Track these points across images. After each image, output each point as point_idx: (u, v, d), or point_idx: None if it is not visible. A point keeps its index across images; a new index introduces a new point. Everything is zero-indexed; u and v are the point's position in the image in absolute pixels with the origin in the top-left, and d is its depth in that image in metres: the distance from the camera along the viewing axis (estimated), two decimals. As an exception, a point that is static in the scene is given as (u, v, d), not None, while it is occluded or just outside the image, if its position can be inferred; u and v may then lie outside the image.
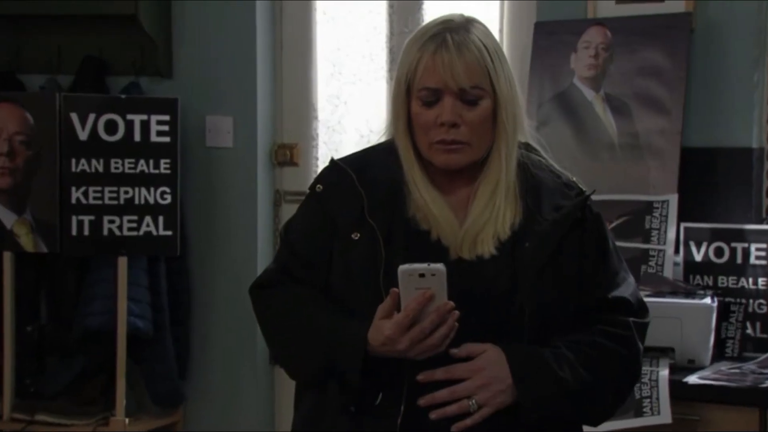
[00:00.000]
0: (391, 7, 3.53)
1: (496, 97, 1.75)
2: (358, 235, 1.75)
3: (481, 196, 1.77)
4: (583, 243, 1.80)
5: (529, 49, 3.18)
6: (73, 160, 3.42)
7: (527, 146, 1.86)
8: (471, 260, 1.75)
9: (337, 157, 1.89)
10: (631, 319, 1.81)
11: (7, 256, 3.48)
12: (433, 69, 1.72)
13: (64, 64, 3.68)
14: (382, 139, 1.88)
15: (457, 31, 1.74)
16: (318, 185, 1.83)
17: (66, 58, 3.68)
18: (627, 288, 1.84)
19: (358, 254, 1.76)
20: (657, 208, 2.90)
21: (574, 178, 1.88)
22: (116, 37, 3.66)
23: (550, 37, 3.15)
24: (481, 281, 1.74)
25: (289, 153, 3.63)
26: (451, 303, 1.65)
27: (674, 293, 2.72)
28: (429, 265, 1.63)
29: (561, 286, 1.76)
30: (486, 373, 1.71)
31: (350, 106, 3.64)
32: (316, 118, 3.65)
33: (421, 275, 1.63)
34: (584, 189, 1.85)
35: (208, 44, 3.61)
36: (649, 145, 2.96)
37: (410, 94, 1.77)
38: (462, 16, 1.80)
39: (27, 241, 3.45)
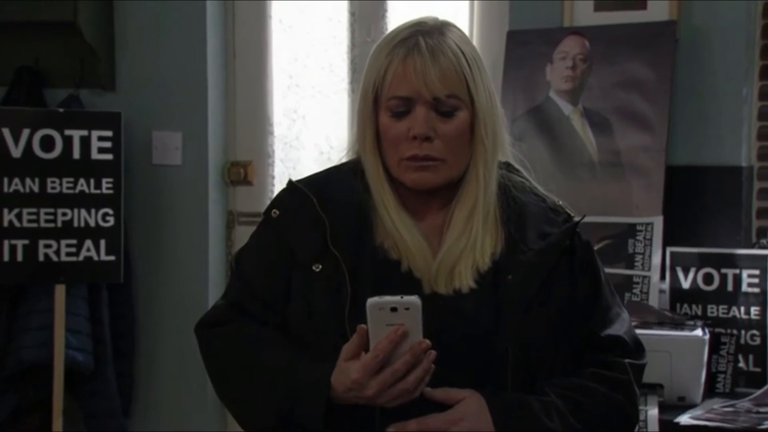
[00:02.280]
0: (352, 14, 3.45)
1: (474, 109, 1.65)
2: (320, 266, 1.64)
3: (457, 222, 1.67)
4: (572, 275, 1.69)
5: (500, 60, 3.11)
6: (6, 180, 3.30)
7: (508, 166, 1.75)
8: (447, 295, 1.64)
9: (295, 177, 1.78)
10: (627, 360, 1.70)
11: None
12: (404, 75, 1.61)
13: None
14: (346, 159, 1.77)
15: (430, 34, 1.64)
16: (274, 210, 1.72)
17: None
18: (621, 325, 1.73)
19: (320, 288, 1.64)
20: (641, 231, 2.84)
21: (561, 202, 1.77)
22: (53, 46, 3.58)
23: (523, 47, 3.09)
24: (459, 319, 1.62)
25: (243, 171, 3.56)
26: (427, 342, 1.52)
27: (661, 324, 2.65)
28: (402, 297, 1.51)
29: (549, 325, 1.65)
30: (465, 425, 1.59)
31: (309, 121, 3.56)
32: (271, 133, 3.57)
33: (393, 309, 1.51)
34: (572, 214, 1.75)
35: (154, 53, 3.54)
36: (631, 164, 2.91)
37: (378, 104, 1.66)
38: (436, 19, 1.69)
39: None
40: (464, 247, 1.65)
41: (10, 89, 3.57)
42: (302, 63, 3.53)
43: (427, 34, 1.63)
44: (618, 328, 1.71)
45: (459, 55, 1.62)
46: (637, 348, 1.73)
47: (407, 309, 1.50)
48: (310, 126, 3.53)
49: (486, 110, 1.65)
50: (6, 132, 3.29)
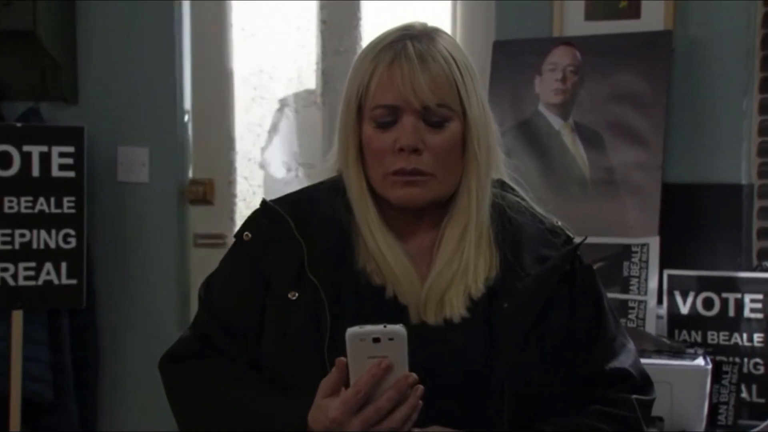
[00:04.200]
0: (323, 23, 3.36)
1: (467, 120, 1.57)
2: (297, 294, 1.56)
3: (447, 243, 1.59)
4: (572, 302, 1.61)
5: (486, 72, 3.06)
6: None
7: (502, 184, 1.67)
8: (437, 325, 1.55)
9: (262, 197, 1.70)
10: (634, 396, 1.61)
11: None
12: (390, 82, 1.54)
13: None
14: (325, 177, 1.69)
15: (419, 38, 1.56)
16: (246, 233, 1.63)
17: None
18: (627, 357, 1.65)
19: (296, 318, 1.55)
20: (636, 252, 2.78)
21: (560, 223, 1.70)
22: (12, 57, 3.50)
23: (511, 58, 3.05)
24: (450, 351, 1.54)
25: (202, 190, 3.47)
26: (414, 375, 1.42)
27: (659, 352, 2.57)
28: (385, 327, 1.42)
29: (548, 357, 1.56)
30: None
31: (273, 136, 3.46)
32: (232, 149, 3.47)
33: (376, 340, 1.41)
34: (572, 236, 1.68)
35: (119, 64, 3.49)
36: (625, 181, 2.87)
37: (362, 115, 1.57)
38: (424, 24, 1.61)
39: None
40: (456, 272, 1.57)
41: (-31, 102, 3.51)
42: (267, 74, 3.44)
43: (415, 39, 1.56)
44: (624, 360, 1.63)
45: (450, 61, 1.55)
46: (644, 382, 1.65)
47: (391, 339, 1.41)
48: (275, 141, 3.44)
49: (479, 122, 1.57)
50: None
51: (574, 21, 3.01)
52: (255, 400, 1.54)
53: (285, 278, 1.56)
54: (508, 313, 1.55)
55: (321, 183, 1.68)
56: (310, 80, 3.41)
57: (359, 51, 1.62)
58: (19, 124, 3.31)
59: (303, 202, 1.64)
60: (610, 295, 2.72)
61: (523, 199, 1.67)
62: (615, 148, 2.88)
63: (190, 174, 3.48)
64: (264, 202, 1.65)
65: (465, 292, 1.56)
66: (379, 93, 1.54)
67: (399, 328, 1.42)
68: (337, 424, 1.42)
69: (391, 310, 1.55)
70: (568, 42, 2.97)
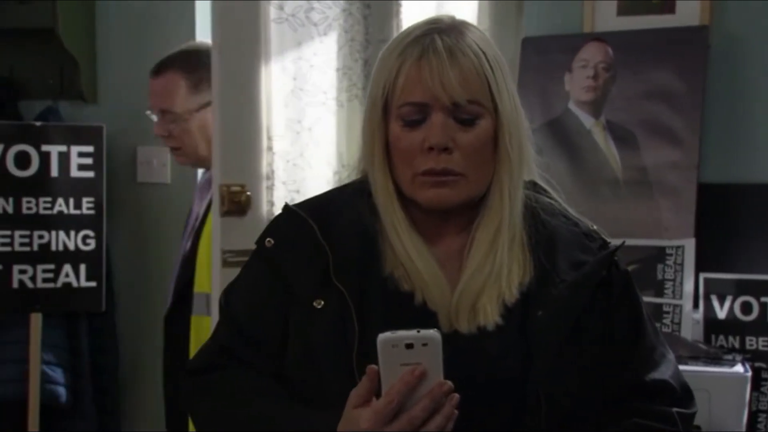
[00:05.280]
0: (367, 7, 3.15)
1: (498, 117, 1.51)
2: (322, 302, 1.50)
3: (479, 245, 1.53)
4: (609, 310, 1.55)
5: (516, 69, 3.01)
6: None
7: (534, 186, 1.61)
8: (470, 333, 1.50)
9: (293, 202, 1.64)
10: (675, 409, 1.55)
11: None
12: (418, 78, 1.48)
13: None
14: (353, 178, 1.64)
15: (447, 32, 1.51)
16: (268, 239, 1.58)
17: None
18: (667, 368, 1.59)
19: (322, 327, 1.49)
20: (671, 255, 2.74)
21: (595, 227, 1.63)
22: (31, 55, 3.53)
23: (540, 54, 3.01)
24: (484, 361, 1.49)
25: (233, 197, 2.91)
26: (449, 383, 1.36)
27: (695, 358, 2.53)
28: (418, 332, 1.36)
29: (585, 367, 1.50)
30: None
31: (316, 134, 3.11)
32: (270, 149, 3.09)
33: (409, 346, 1.36)
34: (608, 240, 1.61)
35: (139, 62, 3.48)
36: (659, 182, 2.82)
37: (388, 113, 1.52)
38: (452, 17, 1.56)
39: None
40: (488, 276, 1.51)
41: (-14, 101, 3.55)
42: (308, 62, 3.07)
43: (443, 33, 1.50)
44: (664, 371, 1.57)
45: (480, 55, 1.49)
46: (685, 395, 1.59)
47: (425, 345, 1.36)
48: (318, 140, 3.11)
49: (511, 119, 1.52)
50: (-23, 148, 3.25)
51: (606, 16, 2.96)
52: (281, 412, 1.49)
53: (310, 285, 1.51)
54: (543, 322, 1.49)
55: (346, 185, 1.63)
56: (354, 71, 3.17)
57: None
58: (37, 124, 3.36)
59: (327, 206, 1.59)
60: (644, 298, 2.68)
61: (556, 201, 1.62)
62: (648, 148, 2.83)
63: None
64: (287, 207, 1.60)
65: (499, 298, 1.51)
66: (407, 90, 1.49)
67: (433, 333, 1.36)
68: None
69: (420, 316, 1.49)
70: (600, 38, 2.93)
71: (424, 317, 1.49)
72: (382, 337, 1.36)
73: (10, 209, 3.23)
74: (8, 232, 3.22)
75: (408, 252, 1.52)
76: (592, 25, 2.97)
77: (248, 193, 2.83)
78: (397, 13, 3.07)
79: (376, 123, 1.53)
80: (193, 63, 2.69)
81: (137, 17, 3.44)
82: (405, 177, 1.52)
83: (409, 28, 1.54)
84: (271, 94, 2.99)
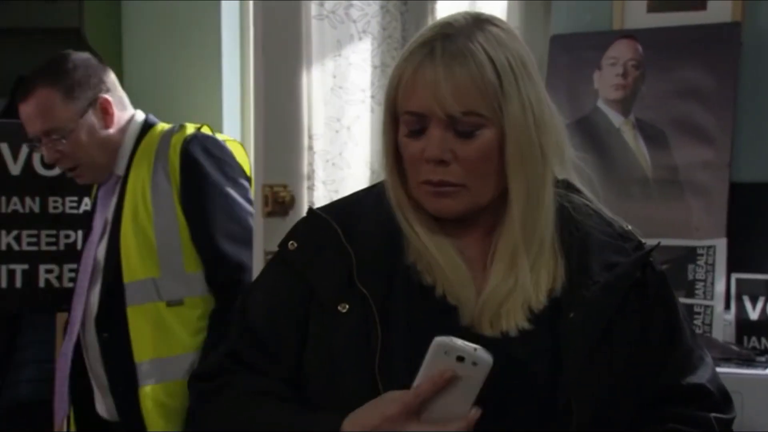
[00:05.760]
0: (404, 4, 3.08)
1: (505, 125, 1.45)
2: (347, 306, 1.47)
3: (501, 256, 1.50)
4: (644, 312, 1.51)
5: (544, 67, 2.96)
6: (3, 199, 3.20)
7: (567, 185, 1.58)
8: (494, 337, 1.46)
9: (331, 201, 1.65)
10: (713, 414, 1.51)
11: None
12: (413, 88, 1.46)
13: None
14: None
15: (454, 38, 1.45)
16: (291, 242, 1.55)
17: None
18: (705, 371, 1.55)
19: (346, 332, 1.47)
20: (702, 255, 2.71)
21: (630, 227, 1.60)
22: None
23: (569, 52, 2.97)
24: (511, 366, 1.44)
25: (276, 197, 2.85)
26: (477, 411, 1.36)
27: (727, 360, 2.50)
28: (476, 350, 1.35)
29: (618, 371, 1.47)
30: None
31: (355, 132, 3.07)
32: (311, 148, 3.05)
33: (460, 359, 1.35)
34: (644, 241, 1.58)
35: (165, 61, 3.47)
36: (690, 181, 2.79)
37: (397, 117, 1.51)
38: (468, 16, 1.50)
39: None
40: (513, 287, 1.48)
41: (10, 100, 3.48)
42: (347, 60, 3.05)
43: (448, 39, 1.45)
44: (701, 375, 1.53)
45: (484, 63, 1.43)
46: (723, 399, 1.55)
47: (474, 364, 1.34)
48: (356, 139, 3.07)
49: (518, 128, 1.45)
50: (4, 147, 3.18)
51: (636, 13, 2.92)
52: (286, 416, 1.47)
53: (334, 289, 1.49)
54: (573, 324, 1.46)
55: (373, 186, 1.61)
56: (390, 68, 3.15)
57: None
58: None
59: (351, 208, 1.57)
60: (674, 299, 2.67)
61: (590, 201, 1.57)
62: (679, 146, 2.80)
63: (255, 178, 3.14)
64: (311, 211, 1.58)
65: (524, 305, 1.47)
66: (406, 99, 1.47)
67: (487, 357, 1.35)
68: (390, 422, 1.36)
69: (439, 310, 1.47)
70: (630, 35, 2.89)
71: (444, 312, 1.46)
72: (439, 340, 1.35)
73: (36, 208, 3.19)
74: (35, 232, 3.18)
75: (427, 245, 1.49)
76: (622, 22, 2.92)
77: (292, 192, 2.79)
78: (433, 10, 3.03)
79: (386, 126, 1.51)
80: (56, 72, 2.57)
81: (163, 17, 3.43)
82: (413, 182, 1.50)
83: (424, 28, 1.51)
84: (312, 92, 2.95)
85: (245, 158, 2.67)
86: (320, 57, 2.95)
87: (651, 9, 2.91)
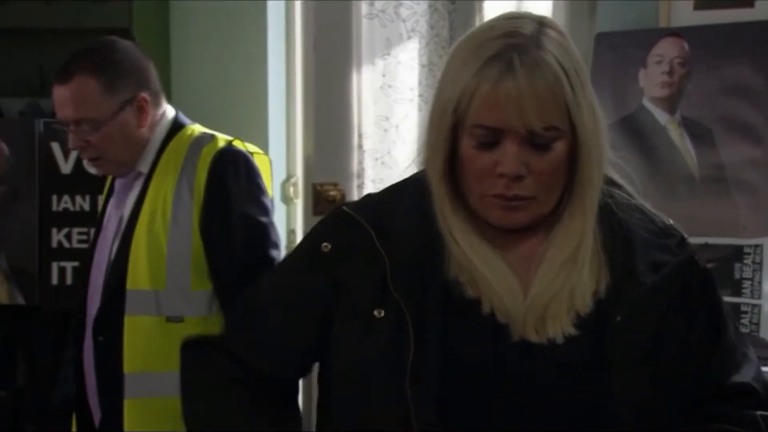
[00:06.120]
0: (452, 3, 3.08)
1: (576, 137, 1.42)
2: (383, 312, 1.43)
3: (554, 258, 1.46)
4: (689, 310, 1.48)
5: (588, 65, 2.96)
6: (55, 197, 3.24)
7: (608, 181, 1.53)
8: (541, 343, 1.43)
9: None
10: (759, 412, 1.49)
11: None
12: (494, 103, 1.39)
13: (47, 85, 3.52)
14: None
15: (526, 49, 1.40)
16: (325, 244, 1.51)
17: (49, 79, 3.51)
18: (750, 369, 1.53)
19: (379, 339, 1.43)
20: (749, 254, 2.69)
21: (671, 221, 1.56)
22: None
23: (614, 50, 2.95)
24: (556, 373, 1.42)
25: (325, 195, 2.99)
26: None
27: None
28: None
29: (665, 372, 1.44)
30: None
31: (403, 131, 3.09)
32: (360, 147, 3.10)
33: None
34: (686, 235, 1.54)
35: (213, 61, 3.46)
36: (737, 179, 2.76)
37: (458, 127, 1.44)
38: (531, 20, 1.45)
39: (0, 292, 3.27)
40: (561, 287, 1.44)
41: (61, 101, 3.52)
42: (396, 59, 3.07)
43: (522, 51, 1.39)
44: (746, 374, 1.51)
45: (559, 75, 1.39)
46: None
47: None
48: (405, 137, 3.07)
49: (590, 136, 1.43)
50: (55, 147, 3.22)
51: (683, 11, 2.89)
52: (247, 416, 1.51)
53: (369, 294, 1.45)
54: (621, 328, 1.43)
55: (406, 181, 1.55)
56: (439, 67, 3.14)
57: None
58: None
59: (385, 208, 1.52)
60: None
61: (632, 197, 1.54)
62: (726, 144, 2.76)
63: (299, 178, 3.21)
64: (342, 210, 1.53)
65: (571, 309, 1.44)
66: (482, 113, 1.40)
67: None
68: None
69: (488, 327, 1.43)
70: (676, 33, 2.86)
71: (493, 329, 1.42)
72: None
73: (86, 207, 3.22)
74: (85, 229, 3.21)
75: (470, 257, 1.45)
76: (668, 20, 2.90)
77: (342, 191, 2.80)
78: (480, 9, 3.03)
79: (443, 134, 1.45)
80: (101, 60, 2.40)
81: (210, 17, 3.42)
82: (474, 194, 1.45)
83: (482, 35, 1.44)
84: (362, 91, 2.96)
85: (269, 173, 2.55)
86: (370, 56, 2.96)
87: (698, 6, 2.88)
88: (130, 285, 2.35)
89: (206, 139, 2.44)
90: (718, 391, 1.50)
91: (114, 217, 2.48)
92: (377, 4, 2.99)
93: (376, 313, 1.43)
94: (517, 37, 1.41)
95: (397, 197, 1.53)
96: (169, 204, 2.36)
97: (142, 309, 2.35)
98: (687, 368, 1.46)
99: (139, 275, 2.36)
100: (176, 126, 2.49)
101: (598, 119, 1.44)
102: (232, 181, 2.37)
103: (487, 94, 1.39)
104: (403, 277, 1.44)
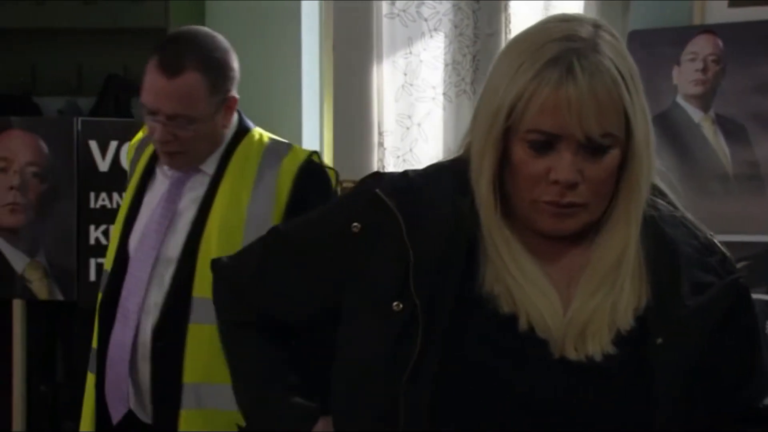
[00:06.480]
0: (476, 1, 3.06)
1: (631, 145, 1.37)
2: (401, 305, 1.38)
3: (596, 269, 1.40)
4: (730, 333, 1.42)
5: None
6: (92, 195, 3.27)
7: (653, 188, 1.46)
8: (578, 361, 1.37)
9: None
10: None
11: (18, 304, 3.34)
12: (554, 109, 1.34)
13: (85, 84, 3.61)
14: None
15: (585, 53, 1.35)
16: (355, 224, 1.44)
17: (87, 78, 3.61)
18: None
19: (391, 334, 1.38)
20: None
21: (711, 235, 1.48)
22: (143, 54, 3.40)
23: (647, 48, 2.91)
24: (596, 393, 1.36)
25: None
26: None
27: None
28: None
29: (707, 397, 1.38)
30: None
31: (425, 129, 3.11)
32: (381, 144, 3.13)
33: None
34: (727, 254, 1.46)
35: (247, 60, 3.38)
36: None
37: (511, 131, 1.38)
38: (587, 23, 1.39)
39: (40, 288, 3.29)
40: (601, 302, 1.38)
41: (99, 99, 3.57)
42: (418, 57, 3.09)
43: (581, 55, 1.34)
44: None
45: (618, 81, 1.34)
46: None
47: None
48: (427, 135, 3.09)
49: (643, 144, 1.38)
50: (93, 144, 3.25)
51: (717, 8, 2.87)
52: (272, 389, 1.54)
53: (390, 284, 1.40)
54: (664, 349, 1.36)
55: (447, 168, 1.47)
56: (462, 65, 3.12)
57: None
58: None
59: (421, 193, 1.44)
60: (754, 295, 2.58)
61: (676, 209, 1.47)
62: (760, 142, 2.74)
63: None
64: (376, 194, 1.45)
65: (612, 326, 1.37)
66: (540, 117, 1.35)
67: None
68: None
69: (526, 344, 1.36)
70: (710, 30, 2.84)
71: (532, 345, 1.36)
72: None
73: (123, 204, 3.28)
74: (122, 227, 3.27)
75: (510, 269, 1.39)
76: (702, 17, 2.88)
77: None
78: (506, 7, 3.03)
79: (494, 135, 1.38)
80: (209, 56, 2.31)
81: (246, 16, 3.44)
82: (523, 200, 1.39)
83: (540, 36, 1.38)
84: (383, 89, 2.98)
85: (334, 187, 2.46)
86: (391, 55, 2.98)
87: (732, 4, 2.86)
88: (197, 292, 2.24)
89: (283, 149, 2.37)
90: (750, 413, 1.45)
91: (163, 209, 2.35)
92: (398, 3, 3.01)
93: (395, 305, 1.38)
94: (576, 41, 1.36)
95: (436, 185, 1.46)
96: (243, 212, 2.28)
97: (209, 318, 2.10)
98: (725, 390, 1.42)
99: (208, 283, 2.09)
100: (242, 128, 2.39)
101: (649, 126, 1.40)
102: (317, 200, 2.20)
103: (547, 98, 1.34)
104: (425, 276, 1.38)
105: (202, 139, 2.31)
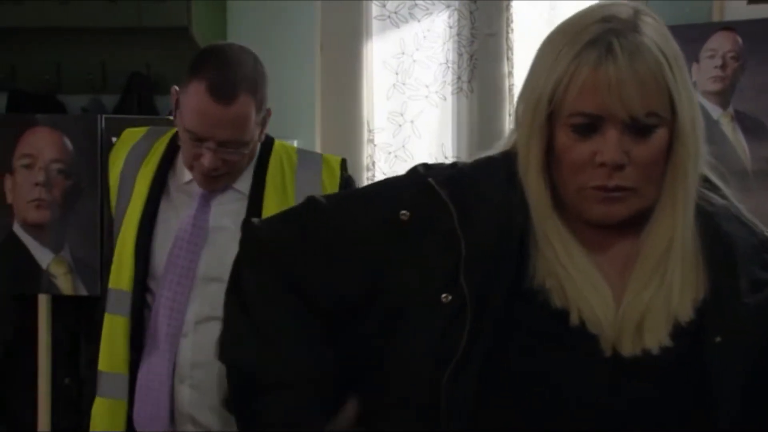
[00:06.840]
0: (474, 2, 3.15)
1: (676, 125, 1.34)
2: (450, 297, 1.34)
3: (647, 258, 1.37)
4: None
5: None
6: None
7: (705, 181, 1.43)
8: (633, 356, 1.33)
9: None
10: None
11: (43, 299, 3.34)
12: (595, 89, 1.31)
13: (109, 82, 3.58)
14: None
15: (624, 33, 1.32)
16: (404, 212, 1.39)
17: (111, 76, 3.59)
18: None
19: (437, 327, 1.34)
20: None
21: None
22: (166, 52, 3.54)
23: None
24: (652, 389, 1.34)
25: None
26: None
27: None
28: None
29: (764, 400, 1.36)
30: None
31: (419, 126, 3.24)
32: (371, 141, 3.26)
33: None
34: None
35: (267, 59, 3.38)
36: None
37: (554, 117, 1.35)
38: (627, 6, 1.37)
39: (65, 283, 3.30)
40: (656, 291, 1.35)
41: (122, 96, 3.57)
42: (411, 57, 3.21)
43: (621, 34, 1.32)
44: None
45: (660, 59, 1.32)
46: None
47: None
48: (420, 132, 3.21)
49: (689, 126, 1.34)
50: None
51: (736, 5, 2.89)
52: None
53: (439, 276, 1.35)
54: (722, 350, 1.33)
55: (498, 161, 1.43)
56: (458, 65, 3.20)
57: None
58: (171, 118, 3.34)
59: (472, 186, 1.40)
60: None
61: (731, 203, 1.43)
62: (779, 138, 2.73)
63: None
64: (428, 183, 1.41)
65: (670, 317, 1.34)
66: (581, 99, 1.32)
67: None
68: None
69: (576, 340, 1.33)
70: (729, 27, 2.84)
71: (582, 341, 1.33)
72: None
73: (146, 201, 3.28)
74: (145, 223, 3.27)
75: (561, 261, 1.35)
76: (721, 14, 2.89)
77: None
78: (508, 7, 3.06)
79: (538, 123, 1.35)
80: (254, 76, 2.20)
81: (266, 16, 3.44)
82: (570, 188, 1.36)
83: (577, 21, 1.36)
84: (372, 88, 3.07)
85: None
86: (382, 55, 3.06)
87: (752, 1, 2.87)
88: None
89: (316, 162, 2.31)
90: None
91: (194, 228, 2.22)
92: (389, 5, 3.08)
93: (443, 297, 1.34)
94: (614, 22, 1.34)
95: (487, 177, 1.42)
96: None
97: None
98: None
99: None
100: (267, 139, 2.30)
101: (696, 109, 1.37)
102: None
103: (586, 79, 1.32)
104: (476, 268, 1.34)
105: (246, 161, 2.23)
